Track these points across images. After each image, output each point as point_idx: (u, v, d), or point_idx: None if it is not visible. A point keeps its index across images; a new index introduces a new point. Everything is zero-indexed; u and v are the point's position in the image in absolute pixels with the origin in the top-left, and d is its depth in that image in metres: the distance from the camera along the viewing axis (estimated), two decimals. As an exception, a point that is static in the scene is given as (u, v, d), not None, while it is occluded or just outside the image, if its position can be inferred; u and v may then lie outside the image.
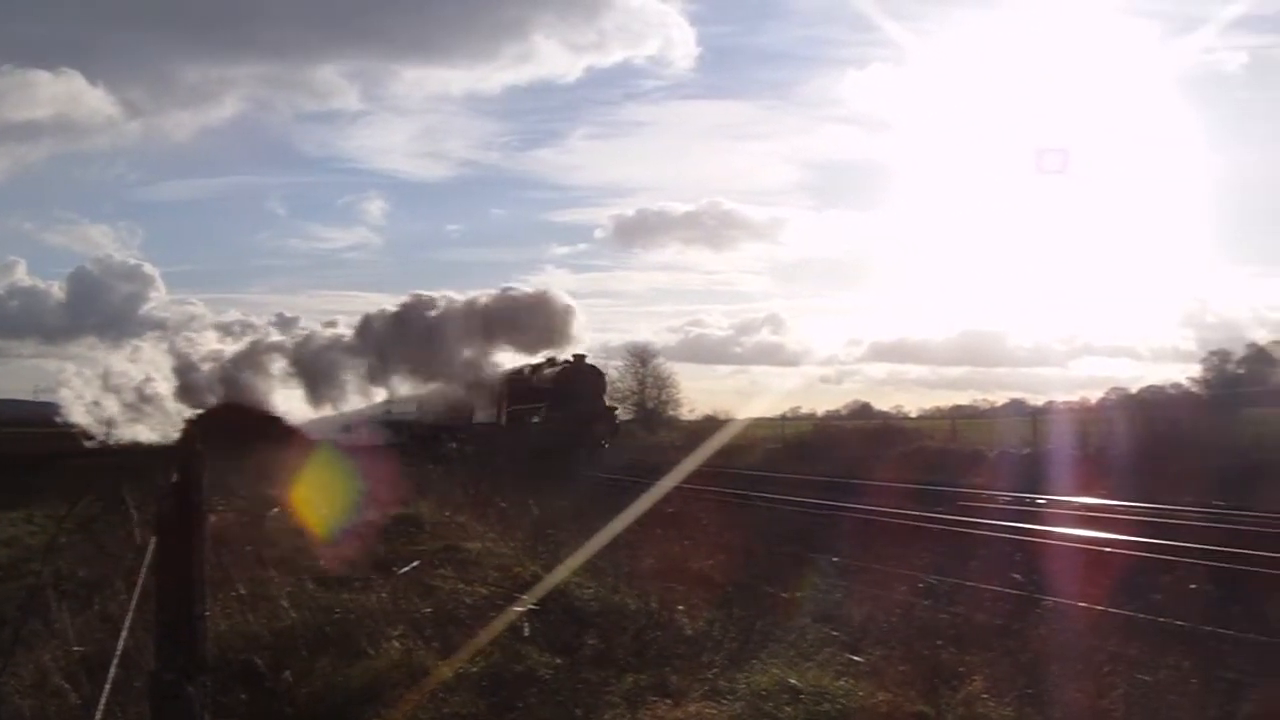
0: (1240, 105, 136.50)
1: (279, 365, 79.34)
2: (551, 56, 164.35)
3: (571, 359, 57.43)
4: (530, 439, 51.43)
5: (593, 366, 58.28)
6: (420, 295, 78.13)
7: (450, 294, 76.53)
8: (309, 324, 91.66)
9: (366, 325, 78.68)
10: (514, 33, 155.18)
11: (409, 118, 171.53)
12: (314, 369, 77.85)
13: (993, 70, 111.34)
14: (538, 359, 61.37)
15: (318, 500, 21.30)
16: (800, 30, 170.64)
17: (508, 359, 65.23)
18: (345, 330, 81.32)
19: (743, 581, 14.54)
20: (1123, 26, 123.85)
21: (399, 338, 73.72)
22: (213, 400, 76.88)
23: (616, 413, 59.73)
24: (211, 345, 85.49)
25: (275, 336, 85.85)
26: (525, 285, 78.47)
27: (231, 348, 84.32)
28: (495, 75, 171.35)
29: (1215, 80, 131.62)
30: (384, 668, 9.95)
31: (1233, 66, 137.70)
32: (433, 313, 74.10)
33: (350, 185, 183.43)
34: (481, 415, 62.95)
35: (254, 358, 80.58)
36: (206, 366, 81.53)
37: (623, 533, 17.55)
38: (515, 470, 36.17)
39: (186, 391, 79.14)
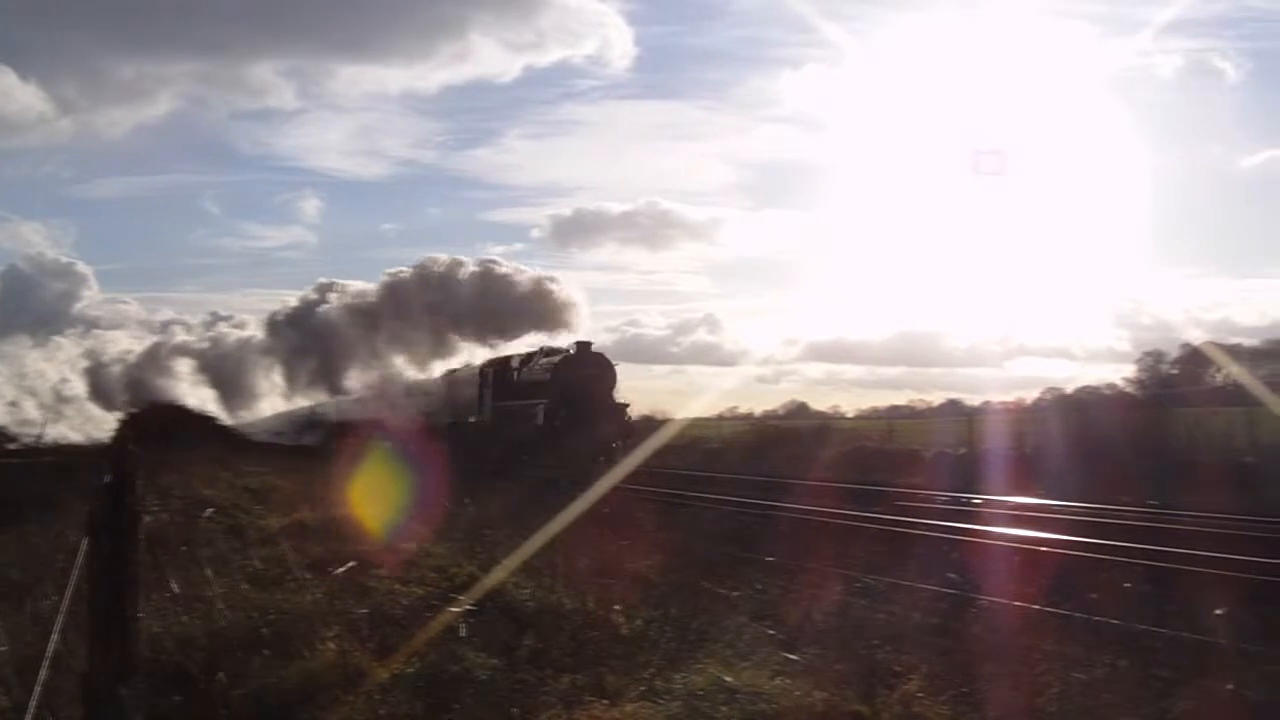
0: (1174, 108, 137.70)
1: (186, 366, 77.17)
2: (489, 56, 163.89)
3: (575, 346, 48.59)
4: (516, 438, 45.91)
5: (600, 355, 48.67)
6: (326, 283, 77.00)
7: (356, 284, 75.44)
8: (226, 324, 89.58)
9: (275, 323, 77.11)
10: (451, 31, 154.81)
11: (345, 116, 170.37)
12: (222, 370, 75.85)
13: (929, 71, 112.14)
14: (523, 348, 55.43)
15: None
16: (738, 31, 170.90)
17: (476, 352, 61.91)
18: (255, 331, 79.86)
19: (679, 581, 14.54)
20: (1058, 29, 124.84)
21: (307, 334, 72.20)
22: (123, 402, 74.71)
23: (629, 410, 48.81)
24: (122, 345, 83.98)
25: (181, 337, 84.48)
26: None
27: (137, 347, 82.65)
28: (432, 74, 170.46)
29: (1150, 83, 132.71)
30: (319, 669, 9.89)
31: (1167, 70, 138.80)
32: (327, 307, 72.72)
33: (286, 184, 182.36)
34: (445, 414, 56.33)
35: (159, 359, 78.95)
36: (116, 368, 79.97)
37: (560, 533, 17.51)
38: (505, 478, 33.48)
39: (98, 392, 77.41)
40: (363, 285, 75.05)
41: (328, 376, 71.36)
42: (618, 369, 48.69)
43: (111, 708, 5.57)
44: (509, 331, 63.82)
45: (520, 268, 69.02)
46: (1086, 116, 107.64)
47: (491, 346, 63.29)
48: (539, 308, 63.24)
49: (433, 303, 67.60)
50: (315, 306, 74.76)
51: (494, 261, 70.70)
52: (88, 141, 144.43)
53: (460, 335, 65.97)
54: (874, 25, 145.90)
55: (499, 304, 65.32)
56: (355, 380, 68.49)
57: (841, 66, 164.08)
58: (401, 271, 73.41)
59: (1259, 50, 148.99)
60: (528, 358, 51.85)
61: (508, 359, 53.69)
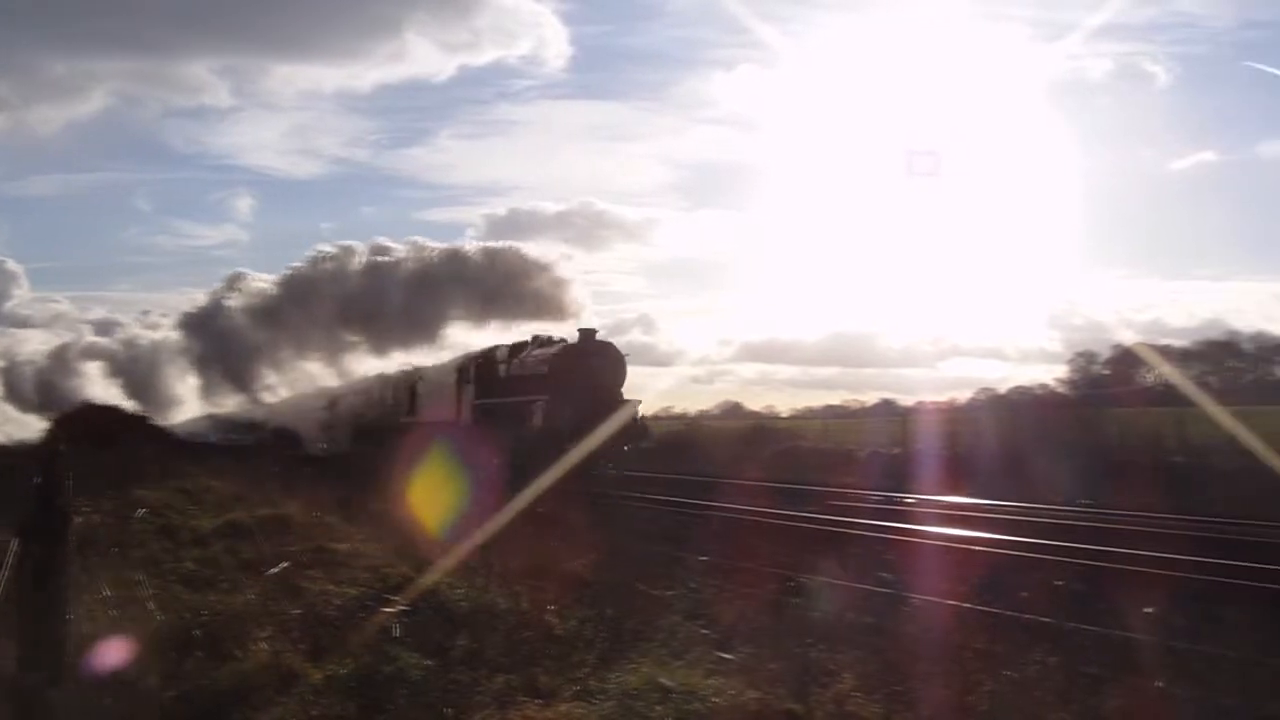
0: (1106, 111, 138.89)
1: (95, 367, 75.80)
2: (424, 55, 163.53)
3: (578, 335, 41.50)
4: (515, 443, 38.13)
5: (608, 345, 41.47)
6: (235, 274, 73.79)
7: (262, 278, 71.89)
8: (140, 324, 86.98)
9: (187, 323, 73.25)
10: (386, 31, 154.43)
11: (280, 114, 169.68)
12: (135, 373, 74.36)
13: (863, 73, 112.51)
14: (512, 337, 47.05)
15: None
16: (674, 31, 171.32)
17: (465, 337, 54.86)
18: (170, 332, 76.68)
19: (614, 580, 14.55)
20: (991, 32, 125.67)
21: (213, 335, 68.46)
22: (37, 404, 73.11)
23: (640, 408, 41.27)
24: (35, 345, 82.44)
25: (90, 337, 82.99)
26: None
27: (45, 348, 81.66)
28: (367, 73, 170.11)
29: (1082, 86, 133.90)
30: (252, 670, 9.85)
31: (1098, 73, 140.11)
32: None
33: (220, 182, 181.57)
34: (398, 415, 52.25)
35: (66, 361, 77.61)
36: (28, 369, 78.24)
37: (496, 533, 17.50)
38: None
39: (13, 393, 75.52)
40: (266, 282, 71.39)
41: (238, 379, 68.36)
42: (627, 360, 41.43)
43: (41, 711, 5.52)
44: (489, 318, 56.48)
45: (486, 244, 61.78)
46: (1019, 118, 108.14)
47: (420, 348, 58.24)
48: (520, 290, 54.76)
49: (348, 295, 63.57)
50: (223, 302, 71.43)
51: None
52: (20, 139, 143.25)
53: (393, 333, 60.79)
54: (808, 27, 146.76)
55: (480, 286, 57.27)
56: (286, 380, 66.43)
57: (776, 68, 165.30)
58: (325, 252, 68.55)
59: (1188, 55, 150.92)
60: (517, 348, 44.79)
61: (492, 351, 46.24)
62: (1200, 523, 22.94)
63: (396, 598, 12.66)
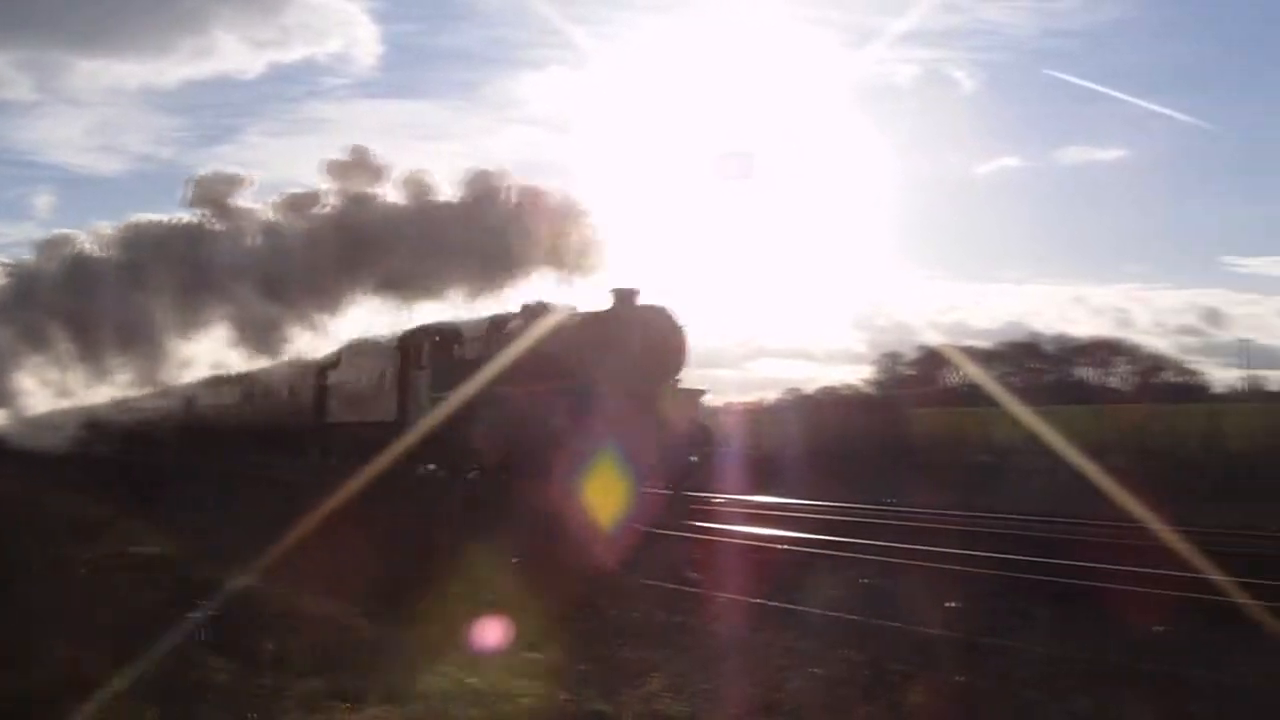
0: (913, 116, 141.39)
1: None
2: (232, 52, 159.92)
3: (614, 296, 26.67)
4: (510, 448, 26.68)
5: (660, 311, 26.83)
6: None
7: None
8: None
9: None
10: (193, 26, 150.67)
11: (84, 110, 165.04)
12: None
13: (674, 76, 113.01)
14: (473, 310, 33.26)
15: None
16: (484, 31, 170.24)
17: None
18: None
19: (425, 581, 14.47)
20: (802, 37, 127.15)
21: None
22: None
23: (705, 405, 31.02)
24: None
25: None
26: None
27: None
28: (173, 69, 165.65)
29: (890, 91, 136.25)
30: (48, 677, 9.61)
31: (905, 79, 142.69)
32: None
33: (20, 178, 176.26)
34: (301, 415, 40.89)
35: None
36: None
37: (305, 535, 17.31)
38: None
39: None
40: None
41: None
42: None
43: None
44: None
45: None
46: (829, 122, 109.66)
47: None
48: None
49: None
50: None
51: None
52: None
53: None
54: (621, 29, 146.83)
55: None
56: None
57: (587, 69, 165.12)
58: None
59: (991, 62, 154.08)
60: (499, 321, 30.88)
61: (454, 325, 32.71)
62: (1003, 520, 23.49)
63: (204, 602, 12.47)
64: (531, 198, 33.63)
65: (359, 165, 36.27)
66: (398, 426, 31.98)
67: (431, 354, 32.36)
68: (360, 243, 34.62)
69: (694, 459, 25.97)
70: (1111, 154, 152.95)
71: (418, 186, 35.66)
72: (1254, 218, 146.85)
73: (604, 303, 26.96)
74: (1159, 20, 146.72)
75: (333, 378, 39.55)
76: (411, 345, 33.43)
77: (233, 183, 39.40)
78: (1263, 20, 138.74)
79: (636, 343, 25.76)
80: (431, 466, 32.10)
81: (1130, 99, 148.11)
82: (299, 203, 37.64)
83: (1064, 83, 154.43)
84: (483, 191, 34.20)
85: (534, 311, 29.06)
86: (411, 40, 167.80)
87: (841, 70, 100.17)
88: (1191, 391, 77.28)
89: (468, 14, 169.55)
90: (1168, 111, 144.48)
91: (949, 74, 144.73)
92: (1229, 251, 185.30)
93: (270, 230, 37.66)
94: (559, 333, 27.39)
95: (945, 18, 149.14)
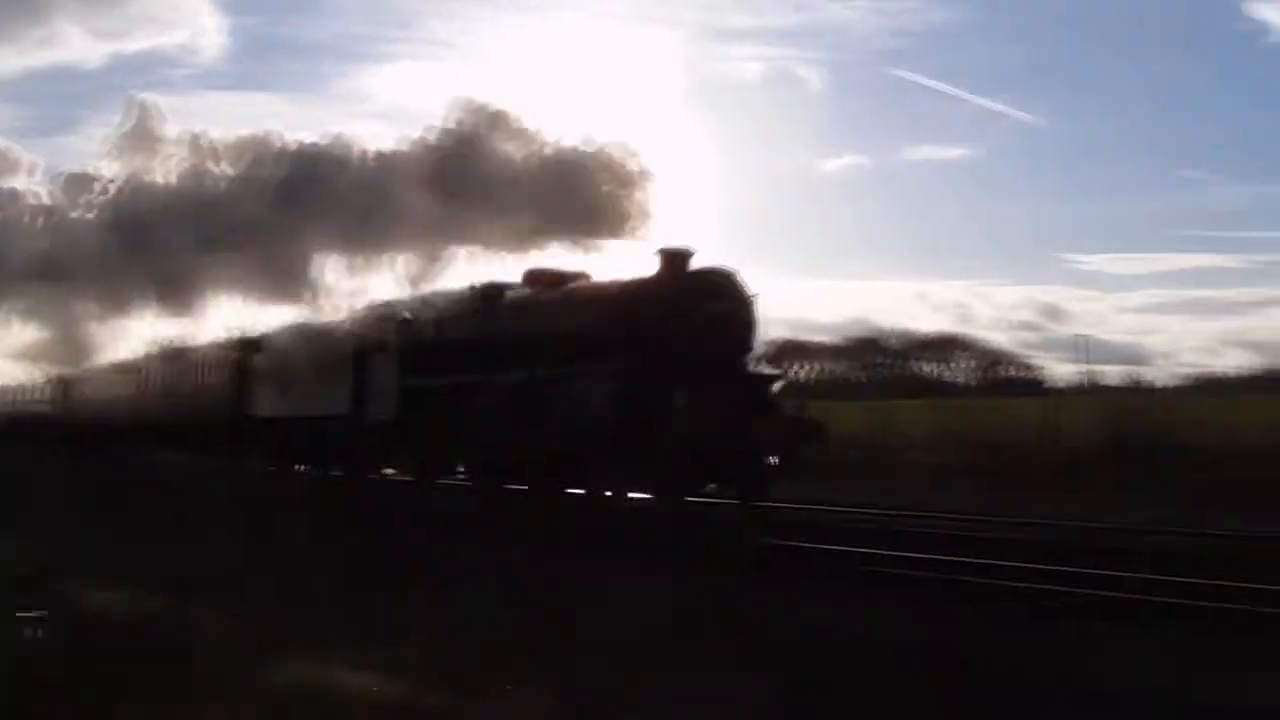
0: (760, 114, 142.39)
1: None
2: (74, 41, 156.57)
3: (662, 258, 22.60)
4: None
5: (727, 276, 22.85)
6: None
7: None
8: None
9: None
10: (33, 15, 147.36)
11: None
12: None
13: (523, 72, 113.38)
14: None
15: None
16: (333, 24, 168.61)
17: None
18: None
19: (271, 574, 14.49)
20: (649, 35, 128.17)
21: None
22: None
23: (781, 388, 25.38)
24: None
25: None
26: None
27: None
28: (13, 59, 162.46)
29: (735, 89, 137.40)
30: None
31: (752, 76, 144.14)
32: None
33: None
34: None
35: None
36: None
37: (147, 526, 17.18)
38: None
39: None
40: None
41: None
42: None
43: None
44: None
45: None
46: (676, 119, 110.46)
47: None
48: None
49: None
50: None
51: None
52: None
53: None
54: (471, 24, 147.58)
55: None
56: None
57: (436, 63, 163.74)
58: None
59: (836, 61, 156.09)
60: (491, 292, 26.25)
61: (427, 302, 26.93)
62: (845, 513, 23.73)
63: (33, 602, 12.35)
64: None
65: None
66: (353, 419, 28.82)
67: (399, 334, 27.99)
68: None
69: (773, 460, 21.53)
70: (955, 152, 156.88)
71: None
72: (1091, 216, 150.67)
73: (649, 267, 22.95)
74: (988, 22, 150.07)
75: (258, 361, 34.21)
76: (371, 324, 28.10)
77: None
78: (1099, 22, 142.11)
79: (707, 314, 21.95)
80: (390, 471, 29.30)
81: (972, 97, 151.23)
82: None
83: (910, 82, 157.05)
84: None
85: (533, 276, 25.68)
86: (259, 32, 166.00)
87: (688, 68, 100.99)
88: (1030, 386, 79.00)
89: (316, 7, 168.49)
90: (1008, 110, 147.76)
91: (796, 72, 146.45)
92: (1069, 249, 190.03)
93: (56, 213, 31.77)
94: (597, 301, 23.76)
95: (791, 17, 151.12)
